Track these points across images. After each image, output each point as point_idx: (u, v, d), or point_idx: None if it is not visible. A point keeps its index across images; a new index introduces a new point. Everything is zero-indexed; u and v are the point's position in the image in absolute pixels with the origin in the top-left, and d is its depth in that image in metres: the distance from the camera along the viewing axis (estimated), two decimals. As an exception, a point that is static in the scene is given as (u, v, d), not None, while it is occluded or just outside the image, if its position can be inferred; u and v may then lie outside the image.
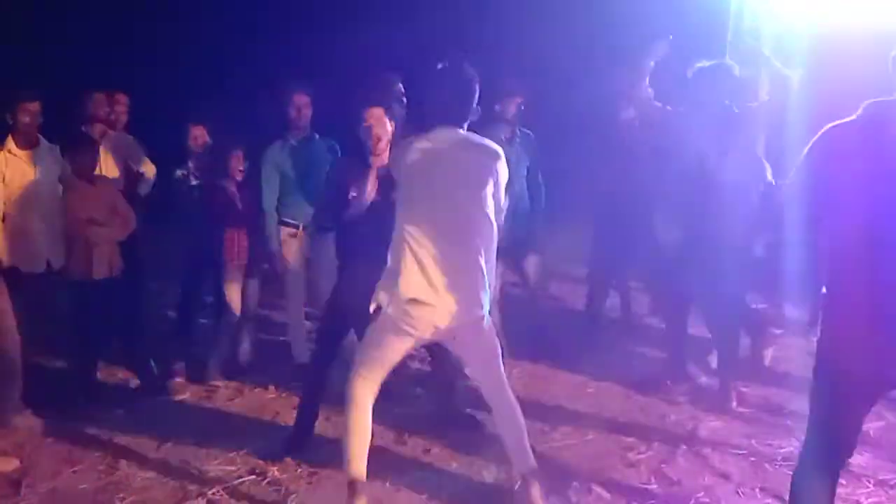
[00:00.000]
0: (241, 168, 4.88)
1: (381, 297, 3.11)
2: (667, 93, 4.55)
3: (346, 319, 3.93)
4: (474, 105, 3.16)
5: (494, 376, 3.27)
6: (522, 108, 4.92)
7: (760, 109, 4.47)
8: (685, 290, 4.56)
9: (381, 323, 3.14)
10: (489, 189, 3.12)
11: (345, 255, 3.94)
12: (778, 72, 4.42)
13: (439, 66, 3.13)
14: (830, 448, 2.64)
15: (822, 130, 2.57)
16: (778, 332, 5.41)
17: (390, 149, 3.62)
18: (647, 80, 4.48)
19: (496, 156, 3.15)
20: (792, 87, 4.39)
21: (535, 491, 3.23)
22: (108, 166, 4.84)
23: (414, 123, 3.37)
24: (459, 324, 3.09)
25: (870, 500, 3.46)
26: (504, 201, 3.24)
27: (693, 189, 4.33)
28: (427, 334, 3.12)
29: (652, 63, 4.45)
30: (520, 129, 5.02)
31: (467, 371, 3.51)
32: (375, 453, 3.35)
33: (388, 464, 3.65)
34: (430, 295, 3.02)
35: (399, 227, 3.09)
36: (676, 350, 4.71)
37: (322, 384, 4.01)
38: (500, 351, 3.28)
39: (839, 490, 2.82)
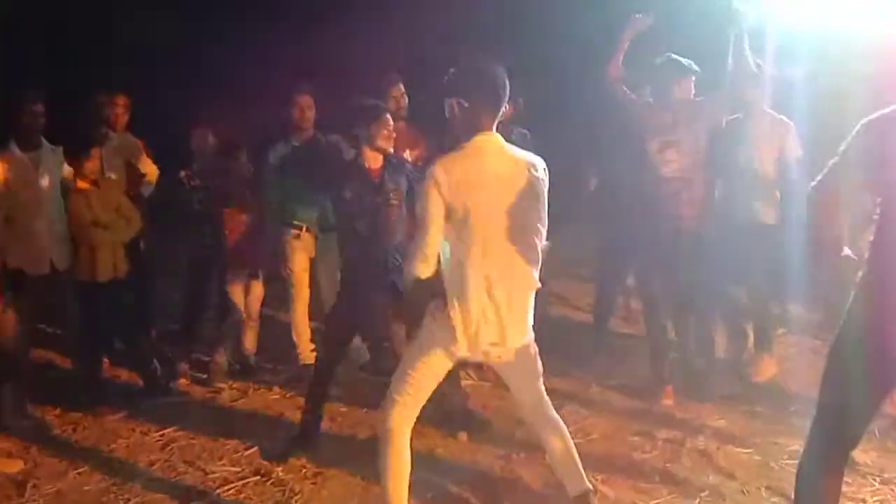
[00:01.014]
0: (245, 169, 4.89)
1: (430, 307, 2.93)
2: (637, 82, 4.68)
3: (351, 321, 3.94)
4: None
5: (534, 397, 3.07)
6: (522, 107, 4.89)
7: (707, 104, 4.47)
8: (650, 284, 4.65)
9: (422, 340, 2.98)
10: (538, 204, 2.90)
11: (349, 256, 3.95)
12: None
13: (475, 64, 2.89)
14: (837, 438, 2.61)
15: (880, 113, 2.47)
16: (781, 331, 5.41)
17: (425, 160, 3.45)
18: (621, 59, 4.53)
19: (539, 169, 2.91)
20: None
21: None
22: (110, 168, 4.84)
23: (434, 126, 3.21)
24: (503, 344, 2.90)
25: (875, 498, 3.45)
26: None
27: (636, 181, 4.47)
28: (469, 352, 2.91)
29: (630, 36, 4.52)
30: (516, 129, 4.97)
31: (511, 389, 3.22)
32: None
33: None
34: (477, 313, 2.82)
35: (450, 242, 2.84)
36: (655, 346, 4.65)
37: (328, 386, 4.01)
38: (541, 372, 3.07)
39: (845, 488, 2.80)
